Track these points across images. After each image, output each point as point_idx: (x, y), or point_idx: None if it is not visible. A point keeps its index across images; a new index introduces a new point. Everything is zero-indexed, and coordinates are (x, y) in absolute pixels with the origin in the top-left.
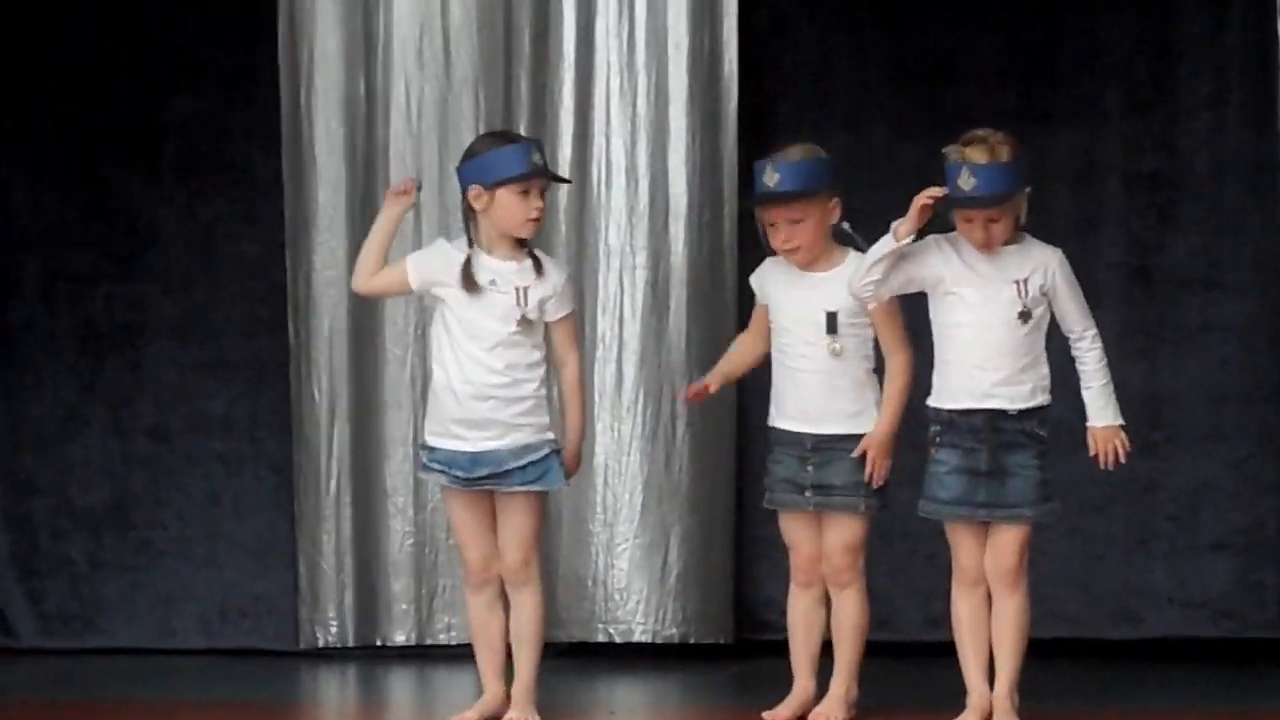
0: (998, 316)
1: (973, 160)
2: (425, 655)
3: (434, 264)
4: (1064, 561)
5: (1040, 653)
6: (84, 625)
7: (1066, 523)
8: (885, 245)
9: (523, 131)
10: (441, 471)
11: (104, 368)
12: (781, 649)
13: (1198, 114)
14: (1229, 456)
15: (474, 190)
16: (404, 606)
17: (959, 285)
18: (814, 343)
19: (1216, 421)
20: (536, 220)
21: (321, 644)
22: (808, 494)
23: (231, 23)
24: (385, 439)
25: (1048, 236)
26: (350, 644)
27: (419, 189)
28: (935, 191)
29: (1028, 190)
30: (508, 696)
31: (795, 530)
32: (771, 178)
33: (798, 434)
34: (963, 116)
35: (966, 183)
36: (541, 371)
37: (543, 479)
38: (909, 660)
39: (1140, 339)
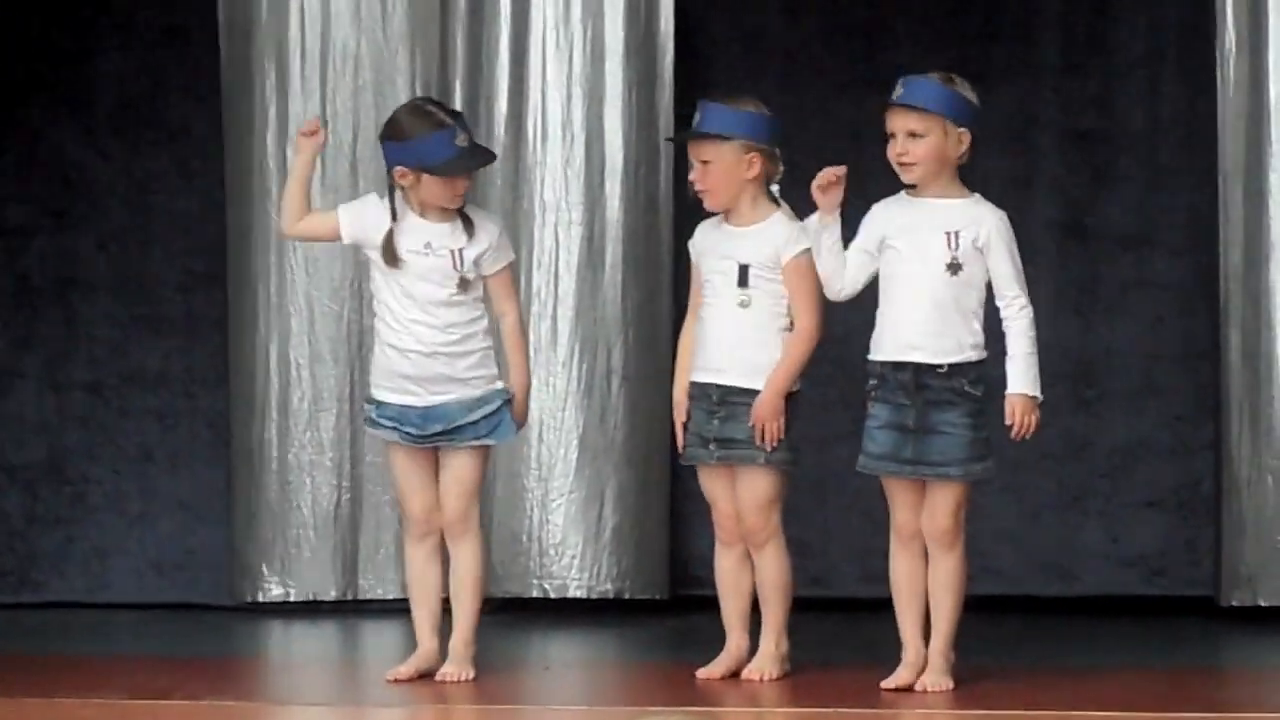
0: (926, 268)
1: (911, 75)
2: (359, 610)
3: (366, 221)
4: (999, 519)
5: (975, 609)
6: (18, 580)
7: (1001, 480)
8: (812, 237)
9: (458, 87)
10: (392, 428)
11: (39, 322)
12: (716, 604)
13: (1134, 72)
14: (1163, 414)
15: (399, 170)
16: (337, 562)
17: (894, 237)
18: (725, 294)
19: (1150, 379)
20: (457, 197)
21: (254, 599)
22: (711, 447)
23: None
24: (320, 394)
25: (982, 193)
26: (284, 599)
27: (325, 126)
28: (830, 173)
29: (964, 131)
30: (442, 652)
31: (711, 485)
32: (695, 118)
33: (705, 385)
34: (897, 74)
35: (895, 92)
36: (485, 324)
37: (494, 432)
38: (846, 616)
39: (1074, 296)
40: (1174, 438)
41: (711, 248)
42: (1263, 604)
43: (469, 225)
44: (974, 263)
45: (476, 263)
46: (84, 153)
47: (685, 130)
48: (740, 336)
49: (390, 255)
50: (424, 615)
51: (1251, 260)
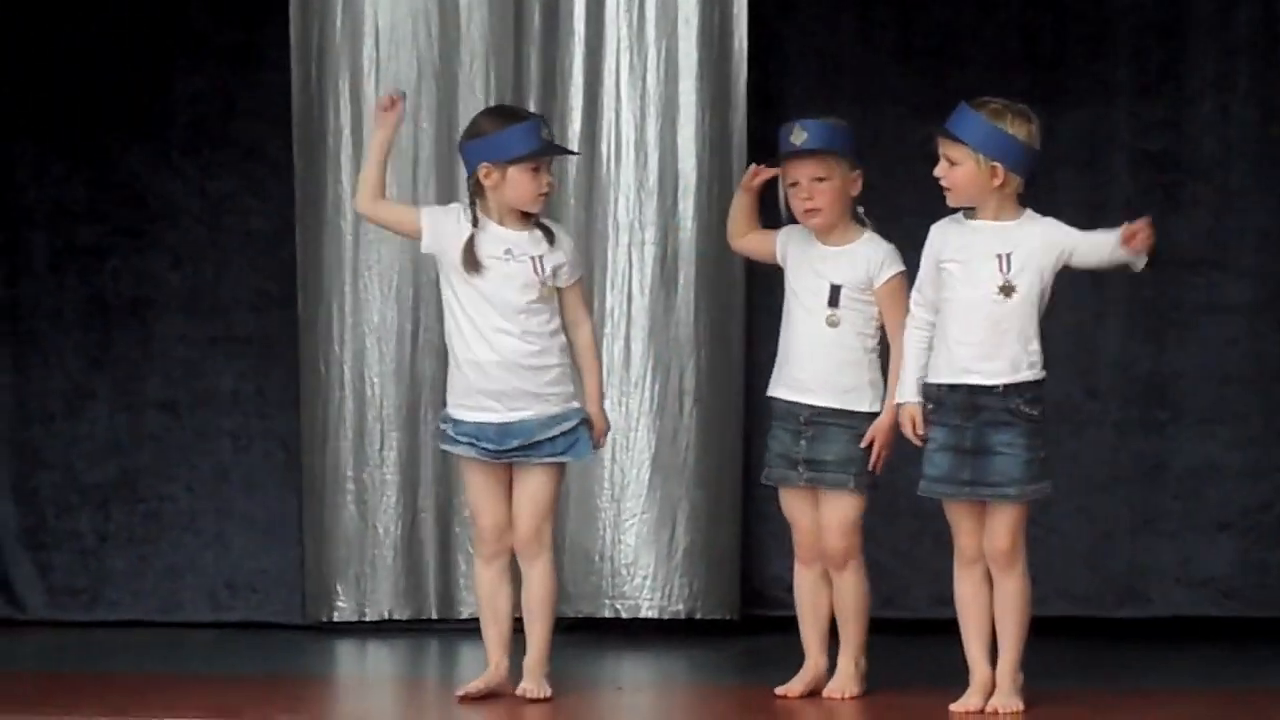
0: (978, 291)
1: (968, 102)
2: (431, 629)
3: (445, 229)
4: (1071, 540)
5: (1046, 631)
6: (91, 598)
7: (1073, 502)
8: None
9: (532, 106)
10: (469, 444)
11: (112, 342)
12: (788, 625)
13: (1205, 96)
14: (1234, 437)
15: (484, 168)
16: (410, 582)
17: (948, 260)
18: (815, 313)
19: (1222, 402)
20: (547, 195)
21: (327, 619)
22: (800, 469)
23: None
24: (394, 414)
25: (1055, 216)
26: (356, 619)
27: (404, 97)
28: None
29: (996, 165)
30: (513, 672)
31: (793, 506)
32: (799, 136)
33: (792, 404)
34: (970, 96)
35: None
36: (562, 340)
37: (572, 449)
38: (917, 637)
39: (1147, 320)
40: (1245, 460)
41: (803, 263)
42: None
43: (549, 234)
44: (1027, 281)
45: (556, 273)
46: (158, 173)
47: (793, 150)
48: (829, 357)
49: (471, 261)
50: (494, 634)
51: None
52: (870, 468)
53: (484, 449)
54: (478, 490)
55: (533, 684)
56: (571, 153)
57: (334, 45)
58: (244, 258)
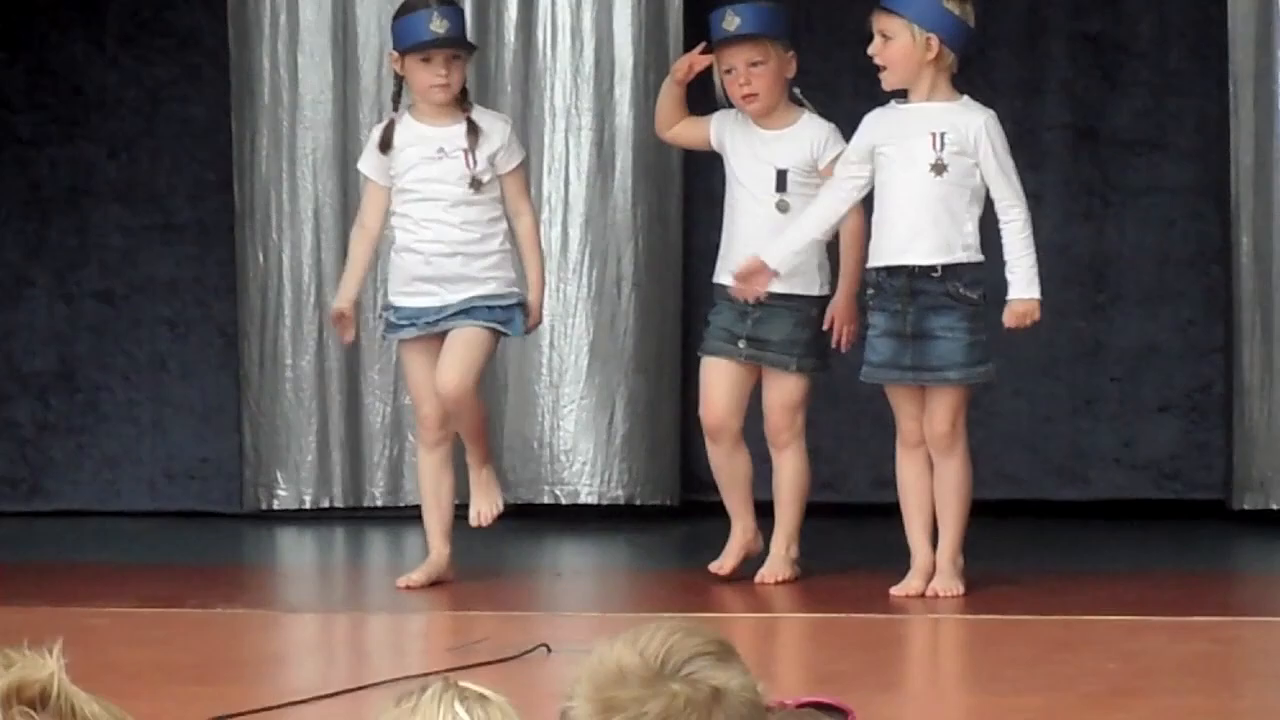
0: (913, 171)
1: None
2: (370, 517)
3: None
4: (1010, 423)
5: (987, 513)
6: (30, 488)
7: (1012, 384)
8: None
9: None
10: (409, 325)
11: (50, 231)
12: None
13: None
14: (1174, 318)
15: (392, 55)
16: (349, 469)
17: (883, 144)
18: (762, 198)
19: (1161, 283)
20: (440, 88)
21: (265, 506)
22: (741, 344)
23: None
24: (329, 304)
25: (993, 98)
26: (296, 506)
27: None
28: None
29: (931, 36)
30: (453, 559)
31: (713, 377)
32: (731, 22)
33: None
34: None
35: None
36: (503, 226)
37: (505, 324)
38: (857, 521)
39: (1085, 201)
40: (1185, 341)
41: (744, 149)
42: (1275, 507)
43: (473, 127)
44: (961, 164)
45: (490, 161)
46: (93, 62)
47: (726, 36)
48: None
49: (385, 142)
50: (435, 521)
51: (1262, 164)
52: (835, 346)
53: (424, 325)
54: (419, 376)
55: (484, 503)
56: (464, 46)
57: None
58: (181, 146)
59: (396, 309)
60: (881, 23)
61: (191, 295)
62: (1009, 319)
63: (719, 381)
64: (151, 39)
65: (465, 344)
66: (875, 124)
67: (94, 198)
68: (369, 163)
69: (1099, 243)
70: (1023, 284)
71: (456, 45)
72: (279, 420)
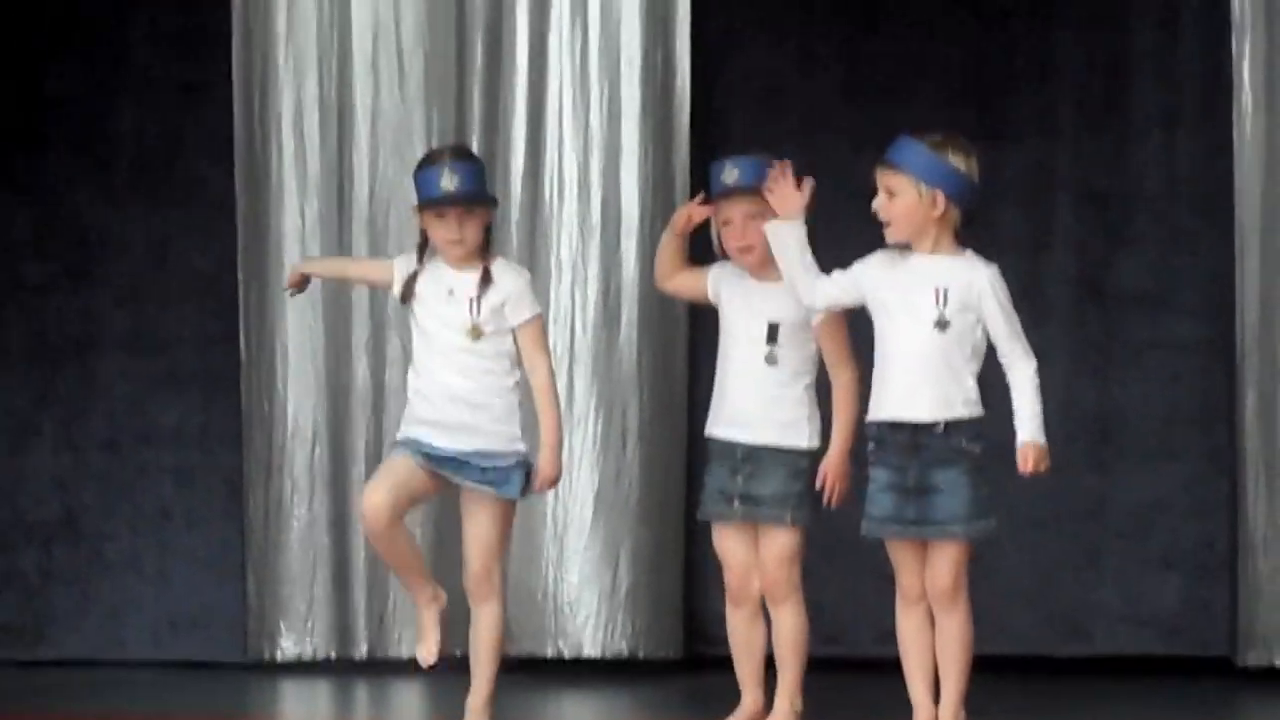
0: (915, 325)
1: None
2: (377, 668)
3: (404, 269)
4: (1014, 578)
5: (990, 669)
6: (34, 637)
7: (1017, 539)
8: (773, 238)
9: (475, 145)
10: (407, 445)
11: (56, 379)
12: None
13: (1150, 132)
14: (1179, 474)
15: (415, 207)
16: (355, 620)
17: (885, 295)
18: (752, 350)
19: (1167, 439)
20: (454, 243)
21: (269, 657)
22: (735, 504)
23: (182, 34)
24: (339, 452)
25: (999, 252)
26: (300, 658)
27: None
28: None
29: (938, 193)
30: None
31: (726, 543)
32: (730, 174)
33: (729, 443)
34: (913, 131)
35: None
36: (510, 380)
37: (500, 486)
38: (860, 676)
39: (1092, 356)
40: (1190, 498)
41: (739, 301)
42: (1279, 664)
43: (486, 275)
44: (964, 319)
45: (496, 313)
46: (102, 210)
47: (725, 189)
48: (769, 395)
49: (406, 294)
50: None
51: (1267, 320)
52: (826, 503)
53: (420, 453)
54: (393, 467)
55: None
56: (480, 201)
57: (277, 82)
58: (187, 295)
59: (399, 439)
60: (886, 178)
61: (197, 444)
62: (1023, 462)
63: (733, 546)
64: (159, 188)
65: (483, 526)
66: (878, 267)
67: (100, 346)
68: (398, 272)
69: (1104, 398)
70: (1032, 428)
71: (468, 201)
72: (283, 570)
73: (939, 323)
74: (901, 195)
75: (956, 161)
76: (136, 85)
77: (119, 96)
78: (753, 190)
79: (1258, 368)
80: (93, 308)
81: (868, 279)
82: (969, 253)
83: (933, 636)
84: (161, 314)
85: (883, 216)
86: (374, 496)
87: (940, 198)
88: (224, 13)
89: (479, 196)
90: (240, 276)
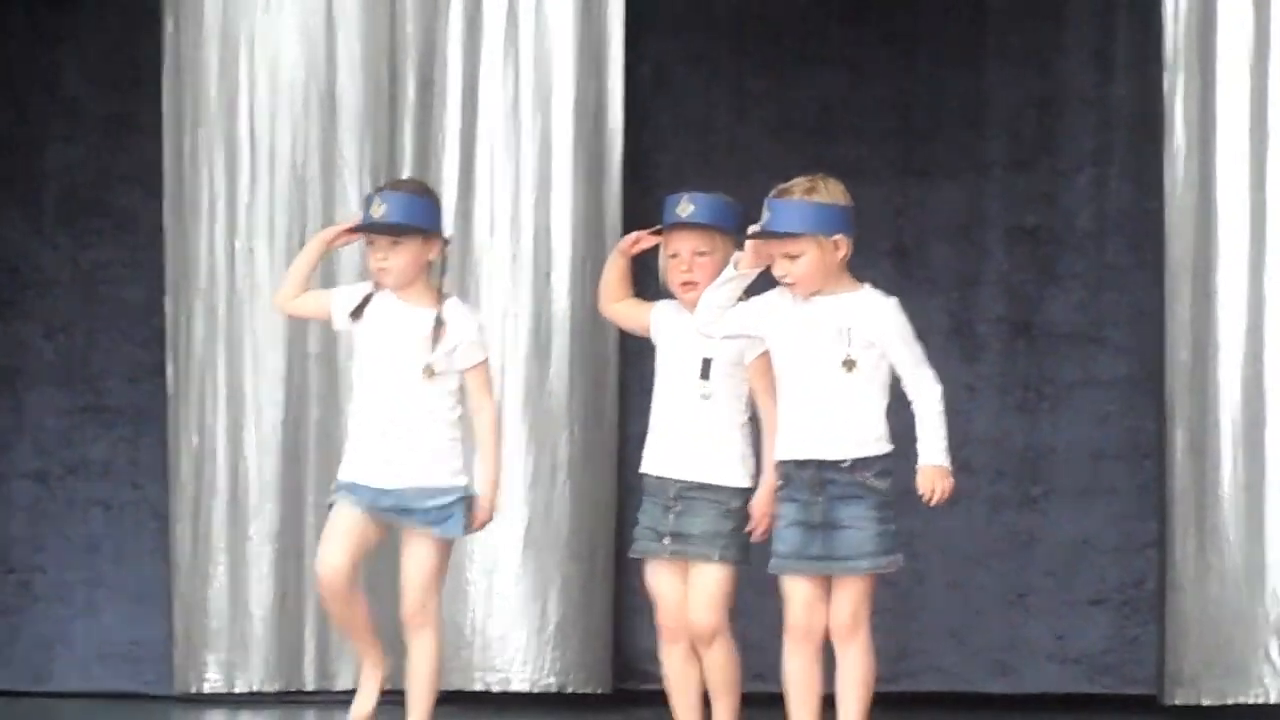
0: (821, 366)
1: (775, 196)
2: (300, 701)
3: (349, 298)
4: (942, 614)
5: (917, 705)
6: None
7: (946, 576)
8: (725, 275)
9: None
10: (345, 493)
11: None
12: (660, 698)
13: (1081, 169)
14: (1108, 512)
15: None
16: (282, 653)
17: (787, 335)
18: (686, 386)
19: (1096, 477)
20: (382, 270)
21: (196, 690)
22: (666, 541)
23: (111, 68)
24: (263, 487)
25: (929, 290)
26: (227, 690)
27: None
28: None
29: (840, 238)
30: None
31: (657, 580)
32: (685, 208)
33: (662, 479)
34: (845, 169)
35: (764, 217)
36: (453, 417)
37: (443, 525)
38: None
39: (1020, 394)
40: (1119, 535)
41: (675, 337)
42: (1205, 703)
43: (439, 320)
44: (869, 356)
45: (449, 356)
46: (31, 241)
47: (678, 221)
48: (700, 432)
49: (357, 311)
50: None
51: (1198, 358)
52: (755, 539)
53: (358, 499)
54: (336, 528)
55: None
56: (381, 230)
57: (208, 115)
58: (116, 327)
59: (339, 484)
60: (781, 247)
61: (125, 477)
62: (925, 484)
63: (665, 584)
64: (89, 220)
65: (420, 559)
66: (779, 308)
67: (29, 378)
68: (340, 308)
69: (1033, 436)
70: (934, 451)
71: (383, 231)
72: (210, 603)
73: (846, 362)
74: (805, 254)
75: (835, 198)
76: (65, 117)
77: (48, 128)
78: (704, 227)
79: (1188, 406)
80: (22, 339)
81: (769, 320)
82: (867, 287)
83: (819, 675)
84: (90, 346)
85: (789, 281)
86: (331, 560)
87: (841, 240)
88: (154, 46)
89: (397, 228)
90: (169, 309)
